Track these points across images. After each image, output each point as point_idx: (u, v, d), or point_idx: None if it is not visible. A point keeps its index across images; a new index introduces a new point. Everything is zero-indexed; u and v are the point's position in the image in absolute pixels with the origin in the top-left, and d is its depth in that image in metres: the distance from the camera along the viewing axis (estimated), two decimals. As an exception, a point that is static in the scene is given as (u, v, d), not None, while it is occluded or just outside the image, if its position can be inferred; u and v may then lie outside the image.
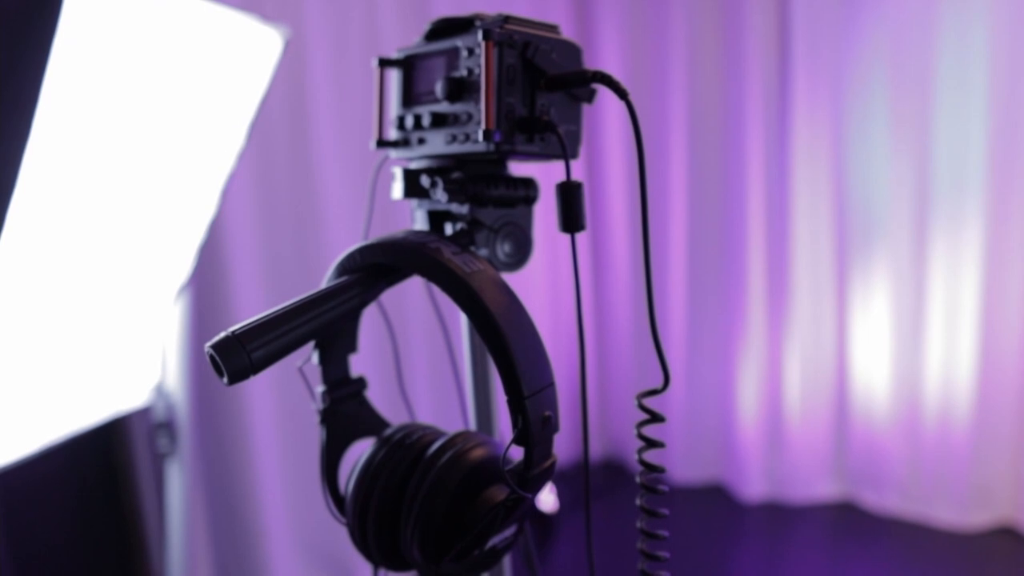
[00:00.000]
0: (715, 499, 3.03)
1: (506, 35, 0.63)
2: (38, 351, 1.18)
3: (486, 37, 0.62)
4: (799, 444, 2.91)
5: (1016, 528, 2.61)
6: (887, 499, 2.81)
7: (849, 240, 2.79)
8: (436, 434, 0.68)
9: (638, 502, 0.64)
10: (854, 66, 2.69)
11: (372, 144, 0.75)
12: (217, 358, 0.55)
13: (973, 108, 2.47)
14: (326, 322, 0.61)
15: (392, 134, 0.75)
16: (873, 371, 2.79)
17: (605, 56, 3.19)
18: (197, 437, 1.85)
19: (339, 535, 2.33)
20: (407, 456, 0.66)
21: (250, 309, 1.96)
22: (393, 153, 0.75)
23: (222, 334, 0.57)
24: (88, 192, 1.15)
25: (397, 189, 0.73)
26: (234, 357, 0.55)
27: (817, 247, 2.81)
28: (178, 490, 1.57)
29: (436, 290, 0.88)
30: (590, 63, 3.23)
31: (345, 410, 0.72)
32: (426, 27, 0.72)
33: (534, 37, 0.65)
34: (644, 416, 0.63)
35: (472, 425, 0.78)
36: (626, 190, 3.25)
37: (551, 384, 0.60)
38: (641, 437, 0.62)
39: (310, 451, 2.23)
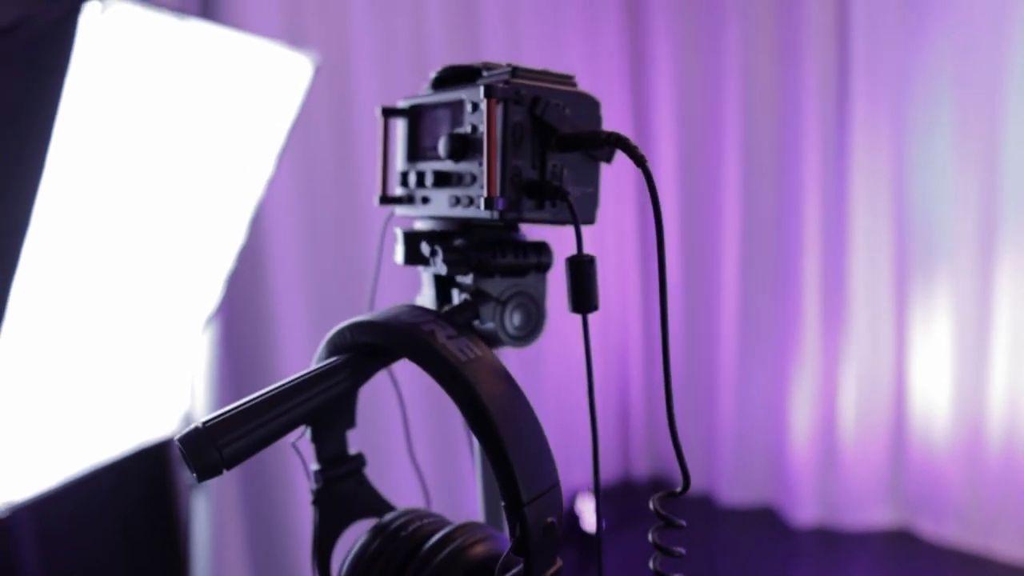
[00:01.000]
0: (765, 522, 2.92)
1: (511, 91, 0.56)
2: (67, 378, 1.16)
3: (488, 94, 0.56)
4: (854, 467, 2.79)
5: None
6: (946, 527, 2.67)
7: (909, 258, 2.66)
8: (438, 524, 0.63)
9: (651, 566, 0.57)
10: (917, 76, 2.56)
11: (375, 200, 0.69)
12: (184, 453, 0.50)
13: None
14: (309, 410, 0.55)
15: (396, 190, 0.69)
16: (933, 393, 2.66)
17: (658, 66, 3.10)
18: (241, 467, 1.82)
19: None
20: (402, 548, 0.60)
21: (289, 333, 1.93)
22: (398, 210, 0.69)
23: (192, 426, 0.52)
24: (120, 222, 1.13)
25: (399, 253, 0.67)
26: (203, 453, 0.50)
27: (876, 264, 2.69)
28: (206, 523, 1.54)
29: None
30: (643, 75, 3.15)
31: (342, 490, 0.66)
32: (432, 74, 0.66)
33: (544, 91, 0.58)
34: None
35: (480, 512, 0.72)
36: (677, 203, 3.15)
37: (555, 486, 0.54)
38: (656, 546, 0.55)
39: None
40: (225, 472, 0.52)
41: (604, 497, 2.74)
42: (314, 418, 0.57)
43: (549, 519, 0.53)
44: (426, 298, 0.69)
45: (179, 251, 1.30)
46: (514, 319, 0.63)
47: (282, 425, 0.54)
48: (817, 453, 2.86)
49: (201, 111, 1.21)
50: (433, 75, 0.66)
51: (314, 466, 0.66)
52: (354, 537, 0.65)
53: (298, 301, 1.99)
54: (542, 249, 0.65)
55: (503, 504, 0.52)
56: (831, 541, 2.74)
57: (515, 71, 0.58)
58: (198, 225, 1.30)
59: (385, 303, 0.63)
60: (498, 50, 2.52)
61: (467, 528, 0.60)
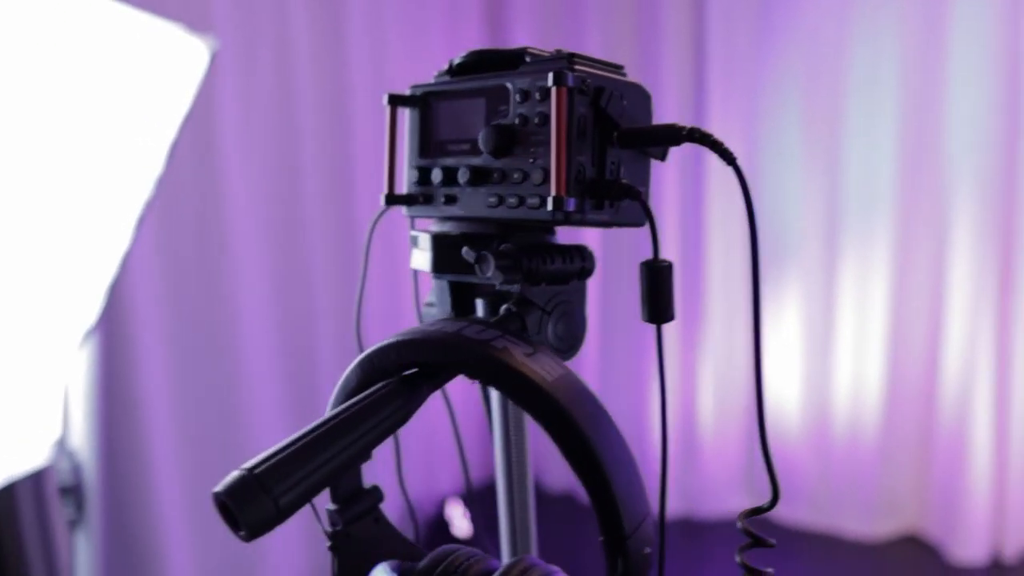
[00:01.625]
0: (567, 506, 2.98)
1: (578, 79, 0.51)
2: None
3: (558, 81, 0.50)
4: (712, 461, 2.89)
5: (920, 536, 2.68)
6: (798, 512, 2.82)
7: (760, 258, 2.79)
8: (484, 563, 0.56)
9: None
10: (768, 83, 2.70)
11: (382, 199, 0.61)
12: (232, 507, 0.41)
13: (883, 127, 2.52)
14: (368, 445, 0.47)
15: (408, 187, 0.61)
16: (784, 387, 2.81)
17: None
18: (106, 502, 1.62)
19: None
20: (458, 595, 0.53)
21: (155, 358, 1.76)
22: (408, 211, 0.62)
23: (234, 474, 0.43)
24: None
25: (422, 259, 0.60)
26: (255, 505, 0.42)
27: (729, 263, 2.80)
28: (86, 563, 1.36)
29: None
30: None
31: (359, 531, 0.58)
32: (454, 59, 0.59)
33: (606, 81, 0.53)
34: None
35: (505, 546, 0.66)
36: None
37: (649, 513, 0.49)
38: (748, 532, 0.52)
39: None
40: (276, 527, 0.44)
41: (475, 500, 2.70)
42: (366, 457, 0.49)
43: (647, 551, 0.48)
44: (440, 309, 0.62)
45: (53, 257, 1.14)
46: (558, 329, 0.58)
47: (340, 465, 0.46)
48: (677, 447, 2.95)
49: (78, 95, 1.07)
50: (456, 60, 0.59)
51: (330, 506, 0.57)
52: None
53: (164, 319, 1.82)
54: (586, 254, 0.60)
55: (602, 538, 0.47)
56: (692, 531, 2.83)
57: (572, 57, 0.53)
58: (75, 227, 1.15)
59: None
60: (362, 46, 2.42)
61: (522, 566, 0.54)
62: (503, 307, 0.56)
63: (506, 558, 0.67)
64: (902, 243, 2.55)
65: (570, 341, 0.59)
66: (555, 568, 0.56)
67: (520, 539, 0.64)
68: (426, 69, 0.63)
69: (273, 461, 0.44)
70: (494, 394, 0.64)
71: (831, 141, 2.61)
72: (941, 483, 2.58)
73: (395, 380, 0.50)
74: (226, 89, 1.92)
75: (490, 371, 0.48)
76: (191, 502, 1.93)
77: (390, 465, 0.69)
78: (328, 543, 0.57)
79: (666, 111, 2.78)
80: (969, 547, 2.50)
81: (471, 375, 0.49)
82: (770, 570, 0.53)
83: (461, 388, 0.57)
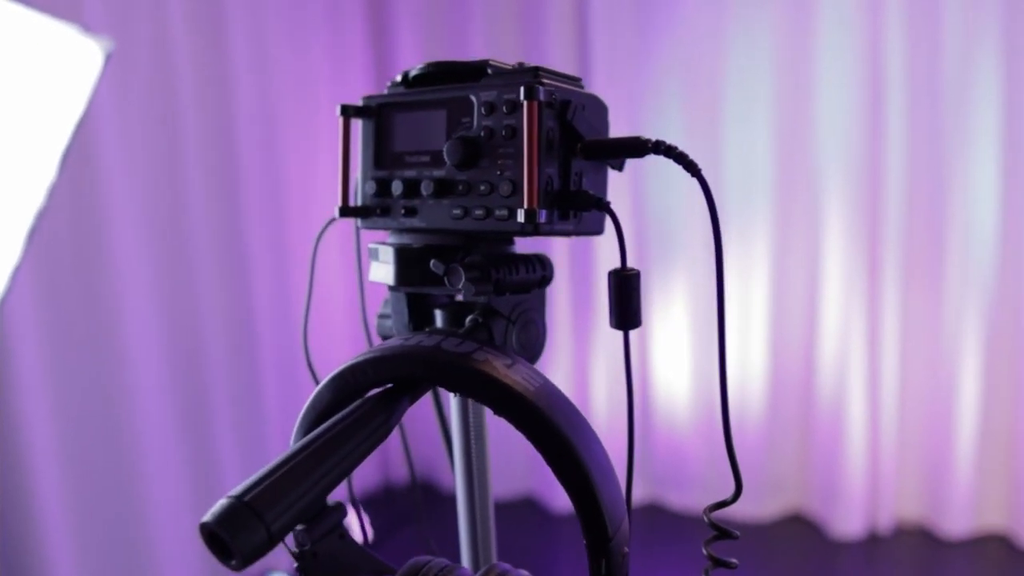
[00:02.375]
0: (526, 511, 3.02)
1: (548, 92, 0.52)
2: None
3: (529, 96, 0.51)
4: (610, 442, 2.96)
5: (803, 514, 2.83)
6: (688, 498, 2.93)
7: (648, 252, 2.87)
8: (454, 571, 0.56)
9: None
10: (649, 81, 2.78)
11: (336, 212, 0.60)
12: (224, 537, 0.40)
13: (758, 122, 2.64)
14: (353, 464, 0.47)
15: (362, 199, 0.60)
16: (673, 378, 2.90)
17: (403, 66, 3.07)
18: None
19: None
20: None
21: (35, 376, 1.67)
22: (362, 224, 0.61)
23: (223, 502, 0.42)
24: None
25: (384, 272, 0.59)
26: (248, 533, 0.41)
27: (616, 259, 2.87)
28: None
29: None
30: (388, 75, 3.10)
31: (325, 549, 0.57)
32: (411, 70, 0.59)
33: (572, 94, 0.54)
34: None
35: (466, 553, 0.66)
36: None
37: (626, 515, 0.50)
38: (713, 525, 0.54)
39: (103, 508, 1.95)
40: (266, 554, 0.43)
41: (366, 506, 2.67)
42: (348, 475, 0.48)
43: (625, 550, 0.50)
44: (396, 320, 0.62)
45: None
46: (521, 337, 0.59)
47: (327, 486, 0.45)
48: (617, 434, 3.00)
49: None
50: (412, 72, 0.59)
51: (297, 526, 0.56)
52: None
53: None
54: (545, 263, 0.61)
55: (586, 541, 0.48)
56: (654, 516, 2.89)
57: (537, 71, 0.54)
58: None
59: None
60: (242, 46, 2.35)
61: (495, 572, 0.55)
62: (469, 318, 0.56)
63: (466, 564, 0.67)
64: (779, 235, 2.68)
65: (532, 349, 0.60)
66: (524, 572, 0.57)
67: (482, 546, 0.64)
68: (307, 69, 0.62)
69: (262, 487, 0.43)
70: (453, 405, 0.64)
71: (711, 134, 2.71)
72: (821, 464, 2.73)
73: (374, 397, 0.50)
74: (103, 92, 1.83)
75: (473, 384, 0.48)
76: (77, 521, 1.84)
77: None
78: (295, 564, 0.56)
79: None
80: (848, 522, 2.66)
81: (451, 388, 0.49)
82: (734, 560, 0.56)
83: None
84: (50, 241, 1.74)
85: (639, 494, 3.01)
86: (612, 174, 0.58)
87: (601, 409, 2.95)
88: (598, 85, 2.78)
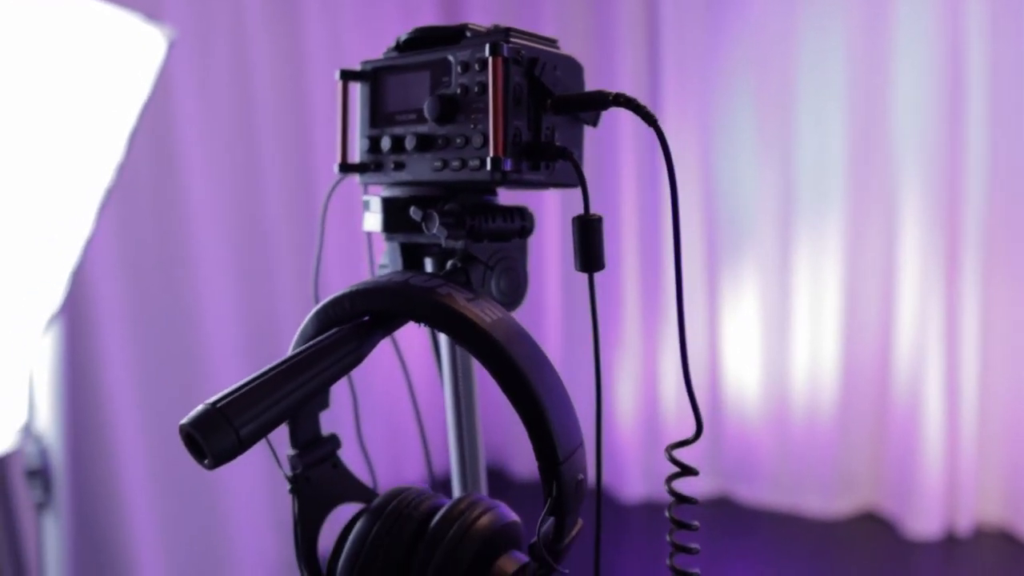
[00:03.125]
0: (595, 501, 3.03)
1: (513, 50, 0.56)
2: None
3: (494, 52, 0.54)
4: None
5: (876, 512, 2.76)
6: (759, 492, 2.90)
7: (718, 245, 2.86)
8: (435, 500, 0.60)
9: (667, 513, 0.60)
10: (720, 73, 2.77)
11: (335, 168, 0.66)
12: (198, 437, 0.46)
13: (833, 118, 2.60)
14: (322, 384, 0.51)
15: (360, 156, 0.66)
16: (744, 370, 2.88)
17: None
18: (72, 484, 1.64)
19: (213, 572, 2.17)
20: (407, 528, 0.57)
21: (118, 343, 1.78)
22: (361, 179, 0.66)
23: (199, 408, 0.47)
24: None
25: (374, 221, 0.64)
26: (218, 435, 0.46)
27: (688, 252, 2.86)
28: (54, 544, 1.38)
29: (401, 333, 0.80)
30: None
31: (318, 475, 0.62)
32: (401, 36, 0.63)
33: (540, 52, 0.58)
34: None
35: (456, 486, 0.70)
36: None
37: (582, 444, 0.54)
38: (674, 460, 0.57)
39: (185, 496, 2.06)
40: (237, 457, 0.48)
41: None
42: (320, 395, 0.53)
43: (580, 476, 0.53)
44: (392, 268, 0.67)
45: (15, 245, 1.16)
46: (501, 283, 0.62)
47: (295, 402, 0.50)
48: (641, 432, 3.01)
49: (38, 85, 1.09)
50: (402, 37, 0.63)
51: (290, 451, 0.61)
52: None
53: (126, 304, 1.83)
54: (525, 214, 0.65)
55: (538, 465, 0.51)
56: (658, 514, 2.89)
57: (508, 32, 0.57)
58: (37, 216, 1.17)
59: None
60: (318, 25, 2.45)
61: (468, 502, 0.59)
62: (449, 262, 0.61)
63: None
64: (854, 228, 2.63)
65: (512, 295, 0.63)
66: (499, 503, 0.60)
67: (470, 479, 0.68)
68: (381, 48, 0.67)
69: (235, 396, 0.48)
70: (443, 345, 0.68)
71: (784, 129, 2.68)
72: (896, 460, 2.67)
73: (348, 326, 0.54)
74: (182, 75, 1.94)
75: (434, 315, 0.52)
76: (156, 482, 1.94)
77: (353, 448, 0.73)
78: (289, 486, 0.61)
79: (624, 121, 2.84)
80: (924, 522, 2.59)
81: (418, 320, 0.54)
82: (695, 499, 0.58)
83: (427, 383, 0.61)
84: (132, 217, 1.85)
85: (709, 487, 2.99)
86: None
87: (670, 396, 2.95)
88: (667, 79, 2.78)
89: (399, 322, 0.56)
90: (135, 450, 1.85)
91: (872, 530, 2.70)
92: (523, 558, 0.58)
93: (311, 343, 0.53)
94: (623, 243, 2.90)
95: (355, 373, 0.76)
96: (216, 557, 2.15)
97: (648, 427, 2.99)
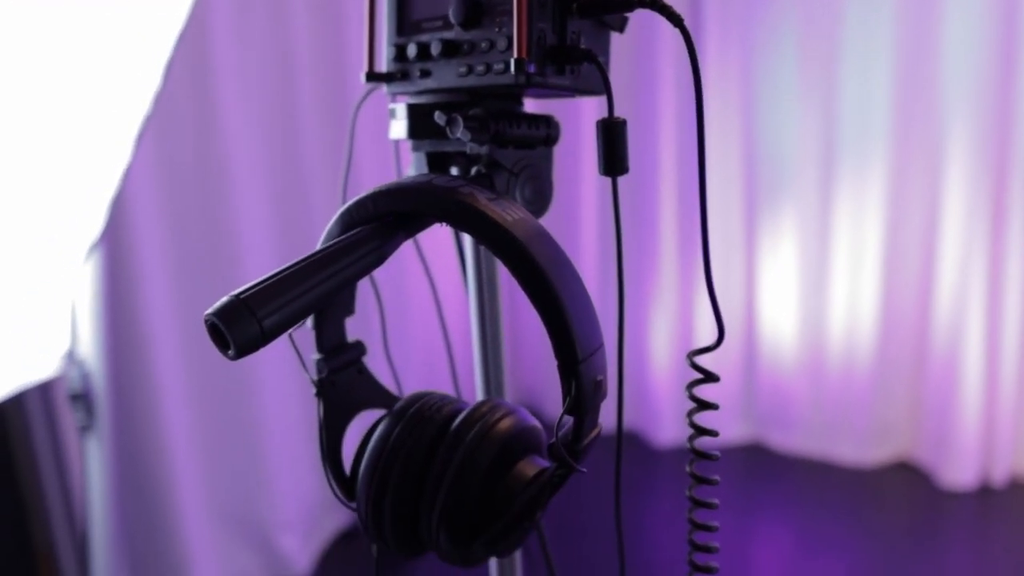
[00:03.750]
0: (629, 446, 3.04)
1: (540, -50, 0.55)
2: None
3: (519, -48, 0.54)
4: (710, 389, 2.94)
5: (911, 462, 2.75)
6: (792, 439, 2.89)
7: (758, 191, 2.82)
8: (457, 404, 0.61)
9: (687, 469, 0.60)
10: (763, 20, 2.70)
11: (362, 77, 0.66)
12: (221, 327, 0.46)
13: (879, 62, 2.53)
14: (344, 281, 0.52)
15: (387, 66, 0.65)
16: (780, 317, 2.86)
17: None
18: (114, 407, 1.68)
19: (256, 501, 2.22)
20: (427, 431, 0.58)
21: (158, 271, 1.80)
22: (388, 88, 0.66)
23: (225, 299, 0.48)
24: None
25: (399, 128, 0.64)
26: (242, 325, 0.47)
27: (727, 198, 2.83)
28: (98, 466, 1.43)
29: (425, 243, 0.80)
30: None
31: (344, 380, 0.64)
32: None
33: (564, -46, 0.57)
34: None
35: (479, 391, 0.71)
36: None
37: (602, 345, 0.54)
38: (695, 367, 0.57)
39: (224, 417, 2.10)
40: (260, 348, 0.49)
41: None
42: (342, 292, 0.54)
43: (599, 377, 0.53)
44: (417, 179, 0.67)
45: (56, 172, 1.18)
46: (526, 191, 0.62)
47: (318, 297, 0.51)
48: (675, 378, 3.01)
49: (76, 15, 1.10)
50: (427, -58, 0.63)
51: (315, 356, 0.62)
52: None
53: (165, 231, 1.85)
54: (551, 122, 0.64)
55: (557, 364, 0.51)
56: (686, 458, 2.89)
57: (535, -67, 0.57)
58: (77, 143, 1.19)
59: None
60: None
61: (489, 405, 0.59)
62: (473, 168, 0.61)
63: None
64: (897, 173, 2.58)
65: (537, 204, 0.63)
66: (519, 407, 0.61)
67: (493, 384, 0.69)
68: None
69: (259, 288, 0.49)
70: (468, 250, 0.69)
71: (827, 72, 2.62)
72: (933, 410, 2.64)
73: (372, 225, 0.55)
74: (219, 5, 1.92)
75: (456, 213, 0.52)
76: (197, 407, 1.97)
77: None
78: (314, 390, 0.62)
79: (665, 44, 2.79)
80: (959, 472, 2.57)
81: (439, 218, 0.54)
82: (716, 454, 0.58)
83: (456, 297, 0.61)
84: (168, 143, 1.84)
85: (741, 433, 2.99)
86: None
87: (704, 341, 2.93)
88: (710, 18, 2.72)
89: (422, 223, 0.56)
90: (176, 374, 1.87)
91: (906, 480, 2.69)
92: (543, 463, 0.59)
93: (335, 241, 0.53)
94: (661, 189, 2.87)
95: (385, 287, 0.77)
96: (255, 483, 2.20)
97: (682, 372, 2.99)
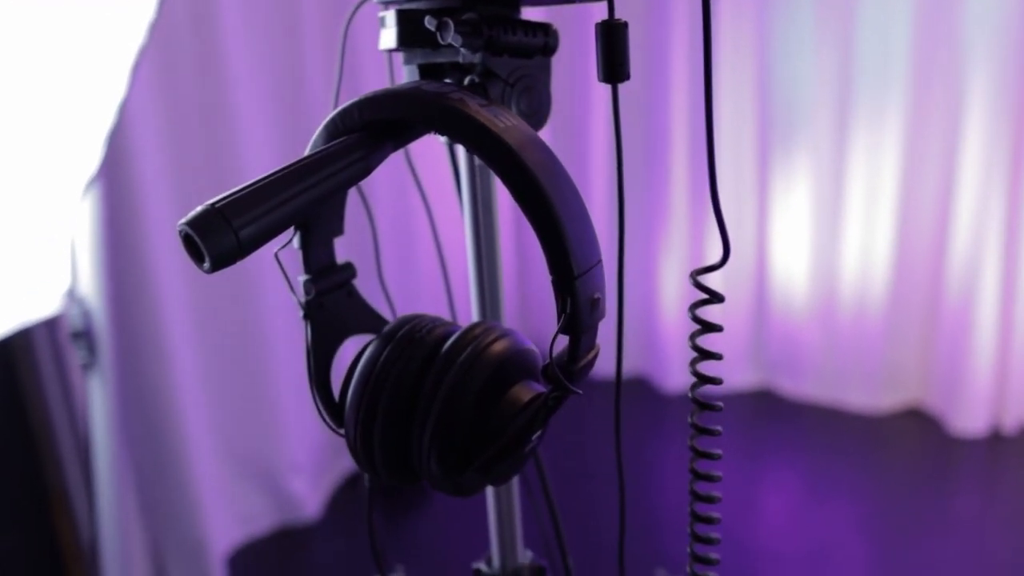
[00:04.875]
0: (638, 392, 3.04)
1: None
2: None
3: None
4: (720, 334, 2.91)
5: (922, 409, 2.73)
6: (803, 386, 2.87)
7: (772, 133, 2.76)
8: (448, 326, 0.59)
9: (689, 420, 0.58)
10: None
11: (349, -16, 0.62)
12: (195, 237, 0.44)
13: (898, 2, 2.45)
14: (326, 192, 0.49)
15: (374, -30, 0.62)
16: (792, 262, 2.82)
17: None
18: (115, 344, 1.66)
19: (265, 444, 2.22)
20: (418, 353, 0.56)
21: (159, 206, 1.77)
22: (377, -4, 0.62)
23: (199, 208, 0.45)
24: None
25: (389, 37, 0.60)
26: (217, 235, 0.44)
27: (740, 140, 2.77)
28: (101, 404, 1.42)
29: (417, 158, 0.77)
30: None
31: (332, 303, 0.61)
32: None
33: None
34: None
35: (475, 313, 0.69)
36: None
37: (600, 262, 0.51)
38: (698, 285, 0.55)
39: (232, 358, 2.09)
40: (238, 261, 0.46)
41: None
42: (325, 204, 0.51)
43: (596, 294, 0.50)
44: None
45: (50, 106, 1.15)
46: (521, 103, 0.59)
47: (298, 207, 0.48)
48: (685, 322, 2.98)
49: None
50: None
51: (303, 277, 0.60)
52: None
53: (167, 162, 1.81)
54: (548, 30, 0.60)
55: (552, 279, 0.49)
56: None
57: None
58: (71, 75, 1.16)
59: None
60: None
61: (482, 327, 0.57)
62: (467, 78, 0.57)
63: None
64: (914, 116, 2.51)
65: (534, 116, 0.60)
66: (515, 331, 0.58)
67: (490, 307, 0.67)
68: None
69: (235, 197, 0.46)
70: (463, 164, 0.65)
71: (845, 11, 2.54)
72: (945, 357, 2.61)
73: (357, 134, 0.52)
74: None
75: (444, 120, 0.49)
76: (202, 344, 1.96)
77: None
78: (301, 312, 0.60)
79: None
80: (970, 419, 2.55)
81: (427, 125, 0.51)
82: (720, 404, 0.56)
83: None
84: (167, 72, 1.79)
85: (751, 379, 2.97)
86: None
87: (715, 286, 2.90)
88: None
89: (412, 132, 0.53)
90: (181, 314, 1.85)
91: (916, 426, 2.67)
92: (539, 387, 0.57)
93: (318, 150, 0.51)
94: (672, 129, 2.82)
95: (380, 210, 0.74)
96: (264, 425, 2.20)
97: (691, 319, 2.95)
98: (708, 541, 0.61)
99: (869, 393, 2.74)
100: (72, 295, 1.38)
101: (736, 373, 2.95)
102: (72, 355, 1.44)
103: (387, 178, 2.36)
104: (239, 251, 0.45)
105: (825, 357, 2.80)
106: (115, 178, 1.57)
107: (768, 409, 2.86)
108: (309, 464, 2.35)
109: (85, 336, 1.39)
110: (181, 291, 1.87)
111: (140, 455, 1.88)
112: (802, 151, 2.70)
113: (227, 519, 2.17)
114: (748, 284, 2.89)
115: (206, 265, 0.45)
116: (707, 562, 0.62)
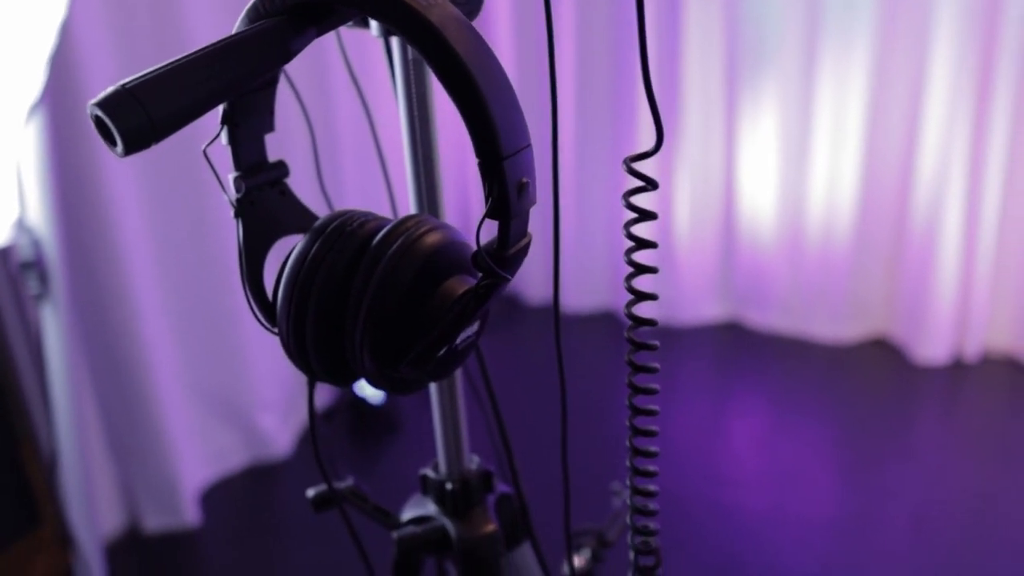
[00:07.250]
0: (606, 325, 3.05)
1: None
2: None
3: None
4: (687, 268, 2.93)
5: (887, 338, 2.77)
6: (770, 317, 2.90)
7: (739, 63, 2.73)
8: (380, 220, 0.58)
9: (626, 334, 0.57)
10: None
11: None
12: (105, 118, 0.42)
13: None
14: (244, 74, 0.48)
15: None
16: (759, 194, 2.82)
17: None
18: (70, 275, 1.63)
19: (234, 381, 2.21)
20: (348, 246, 0.55)
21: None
22: None
23: (109, 89, 0.43)
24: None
25: None
26: (129, 116, 0.43)
27: (707, 70, 2.74)
28: (56, 335, 1.40)
29: (354, 50, 0.75)
30: None
31: (264, 201, 0.60)
32: None
33: None
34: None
35: (413, 208, 0.68)
36: None
37: (528, 145, 0.50)
38: (633, 172, 0.54)
39: (197, 292, 2.06)
40: (154, 145, 0.45)
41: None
42: (245, 88, 0.50)
43: (524, 178, 0.49)
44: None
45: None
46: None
47: (215, 90, 0.47)
48: (653, 255, 2.98)
49: None
50: None
51: (232, 174, 0.59)
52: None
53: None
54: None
55: (478, 162, 0.48)
56: (668, 337, 2.90)
57: None
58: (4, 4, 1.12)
59: None
60: None
61: (414, 219, 0.56)
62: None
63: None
64: (881, 49, 2.49)
65: (467, 5, 0.59)
66: (450, 224, 0.58)
67: (427, 203, 0.66)
68: None
69: (147, 77, 0.44)
70: (396, 54, 0.64)
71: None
72: (909, 287, 2.64)
73: (278, 18, 0.50)
74: None
75: (367, 1, 0.47)
76: (168, 275, 1.92)
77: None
78: (232, 211, 0.59)
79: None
80: (932, 348, 2.59)
81: (351, 6, 0.49)
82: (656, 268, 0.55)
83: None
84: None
85: (718, 312, 2.99)
86: None
87: (683, 219, 2.90)
88: None
89: (335, 17, 0.52)
90: (142, 242, 1.81)
91: (880, 355, 2.71)
92: (474, 281, 0.56)
93: (237, 32, 0.49)
94: (639, 63, 2.77)
95: (319, 117, 0.72)
96: (233, 362, 2.18)
97: (661, 249, 2.94)
98: (648, 454, 0.62)
99: (835, 324, 2.77)
100: (21, 224, 1.35)
101: (704, 305, 2.97)
102: (24, 286, 1.41)
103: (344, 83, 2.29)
104: (152, 133, 0.44)
105: (792, 289, 2.83)
106: (62, 102, 1.52)
107: (736, 340, 2.88)
108: (279, 401, 2.35)
109: (36, 266, 1.37)
110: (140, 221, 1.83)
111: (104, 391, 1.87)
112: (770, 82, 2.68)
113: (198, 457, 2.17)
114: (716, 218, 2.89)
115: (118, 148, 0.44)
116: (646, 475, 0.62)
